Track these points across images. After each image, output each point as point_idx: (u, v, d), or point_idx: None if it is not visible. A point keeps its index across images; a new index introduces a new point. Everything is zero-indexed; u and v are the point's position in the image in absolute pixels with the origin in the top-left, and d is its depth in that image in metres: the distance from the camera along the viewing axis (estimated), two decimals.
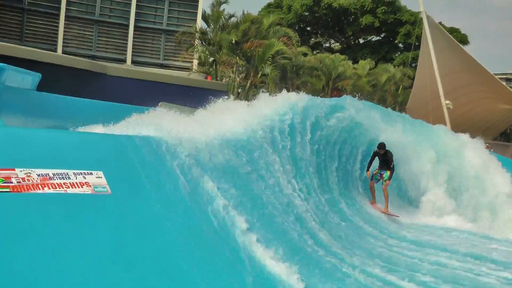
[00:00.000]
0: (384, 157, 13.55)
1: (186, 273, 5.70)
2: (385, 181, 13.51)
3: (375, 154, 13.79)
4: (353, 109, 13.50)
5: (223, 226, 6.89)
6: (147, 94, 19.20)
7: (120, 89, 19.32)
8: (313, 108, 12.02)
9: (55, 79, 14.76)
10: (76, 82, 18.06)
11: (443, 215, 14.12)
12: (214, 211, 6.99)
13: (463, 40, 53.20)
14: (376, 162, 13.90)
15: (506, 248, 11.15)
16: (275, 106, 10.91)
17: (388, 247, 10.19)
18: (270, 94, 11.88)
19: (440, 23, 44.56)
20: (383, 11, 52.42)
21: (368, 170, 13.92)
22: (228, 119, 9.53)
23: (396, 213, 13.62)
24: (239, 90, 29.57)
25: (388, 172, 13.50)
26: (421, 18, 40.73)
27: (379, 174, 13.70)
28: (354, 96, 14.80)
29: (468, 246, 11.05)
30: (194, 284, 5.63)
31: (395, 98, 43.75)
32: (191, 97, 17.85)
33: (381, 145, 13.49)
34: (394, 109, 26.50)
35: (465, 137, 17.10)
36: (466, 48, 46.56)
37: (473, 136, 17.54)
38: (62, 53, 25.30)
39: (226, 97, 12.13)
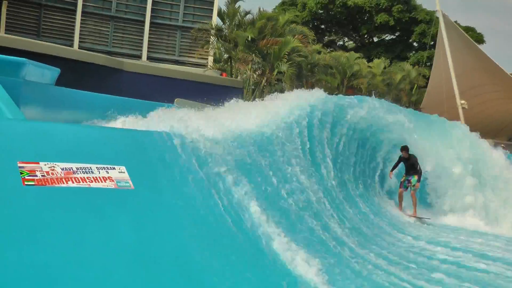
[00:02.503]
0: (409, 162, 13.51)
1: (207, 271, 5.69)
2: (413, 186, 13.46)
3: (400, 159, 13.75)
4: (371, 108, 13.47)
5: (242, 222, 6.90)
6: (163, 90, 19.22)
7: (136, 85, 19.36)
8: (332, 106, 11.99)
9: (73, 74, 14.82)
10: (93, 78, 18.12)
11: (465, 216, 14.08)
12: (233, 207, 7.00)
13: (479, 39, 52.75)
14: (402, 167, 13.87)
15: None
16: (294, 103, 10.89)
17: (408, 246, 10.15)
18: (287, 92, 11.88)
19: (455, 22, 44.24)
20: (399, 9, 52.14)
21: (391, 171, 13.93)
22: (247, 116, 9.53)
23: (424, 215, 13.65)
24: (253, 87, 29.54)
25: (416, 177, 13.44)
26: (437, 17, 40.46)
27: (407, 181, 13.65)
28: (370, 95, 14.86)
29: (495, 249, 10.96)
30: (213, 281, 5.62)
31: (409, 97, 43.51)
32: (206, 93, 17.84)
33: (404, 148, 13.52)
34: (408, 108, 26.40)
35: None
36: (481, 47, 46.13)
37: (486, 137, 17.57)
38: (78, 48, 25.37)
39: (241, 96, 12.12)
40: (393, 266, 8.38)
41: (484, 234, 12.45)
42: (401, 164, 13.97)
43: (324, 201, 9.68)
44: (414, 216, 13.36)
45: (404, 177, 13.77)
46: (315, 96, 11.80)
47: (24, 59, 9.79)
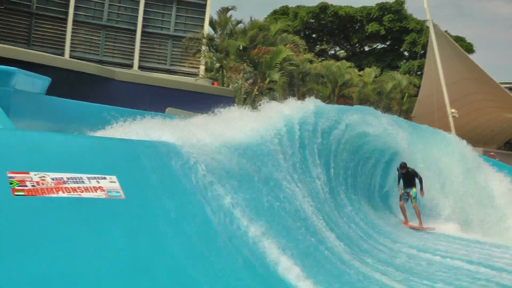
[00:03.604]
0: (407, 176, 13.72)
1: (199, 281, 5.65)
2: (413, 198, 13.65)
3: (399, 173, 13.96)
4: (364, 118, 13.48)
5: (235, 232, 6.85)
6: (154, 99, 19.22)
7: (127, 94, 19.34)
8: (323, 115, 11.99)
9: (64, 83, 14.76)
10: (84, 87, 18.08)
11: (456, 223, 14.16)
12: (226, 217, 6.95)
13: (469, 49, 53.17)
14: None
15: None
16: (286, 113, 10.88)
17: (398, 254, 10.13)
18: (279, 101, 11.88)
19: (446, 31, 44.53)
20: (390, 19, 52.47)
21: (398, 184, 14.11)
22: (239, 125, 9.50)
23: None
24: (245, 96, 29.56)
25: (414, 189, 13.64)
26: (428, 27, 40.74)
27: (406, 194, 13.84)
28: (361, 104, 15.06)
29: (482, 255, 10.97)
30: None
31: (400, 106, 43.64)
32: (198, 102, 17.84)
33: (402, 165, 13.75)
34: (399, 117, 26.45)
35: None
36: (471, 57, 46.47)
37: (476, 145, 17.73)
38: (70, 57, 25.30)
39: (235, 104, 12.12)
40: (387, 276, 8.36)
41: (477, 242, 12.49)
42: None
43: (316, 211, 9.64)
44: (420, 228, 13.41)
45: (403, 190, 13.91)
46: (308, 105, 11.79)
47: (14, 68, 9.73)
